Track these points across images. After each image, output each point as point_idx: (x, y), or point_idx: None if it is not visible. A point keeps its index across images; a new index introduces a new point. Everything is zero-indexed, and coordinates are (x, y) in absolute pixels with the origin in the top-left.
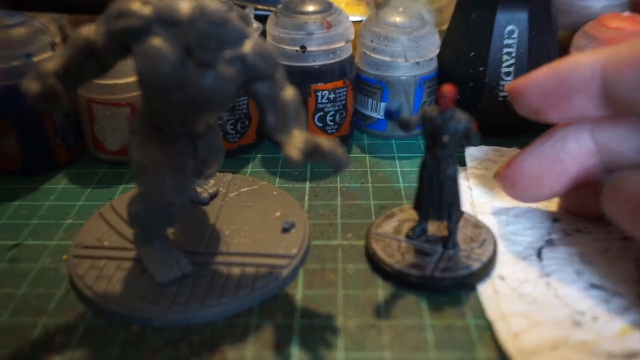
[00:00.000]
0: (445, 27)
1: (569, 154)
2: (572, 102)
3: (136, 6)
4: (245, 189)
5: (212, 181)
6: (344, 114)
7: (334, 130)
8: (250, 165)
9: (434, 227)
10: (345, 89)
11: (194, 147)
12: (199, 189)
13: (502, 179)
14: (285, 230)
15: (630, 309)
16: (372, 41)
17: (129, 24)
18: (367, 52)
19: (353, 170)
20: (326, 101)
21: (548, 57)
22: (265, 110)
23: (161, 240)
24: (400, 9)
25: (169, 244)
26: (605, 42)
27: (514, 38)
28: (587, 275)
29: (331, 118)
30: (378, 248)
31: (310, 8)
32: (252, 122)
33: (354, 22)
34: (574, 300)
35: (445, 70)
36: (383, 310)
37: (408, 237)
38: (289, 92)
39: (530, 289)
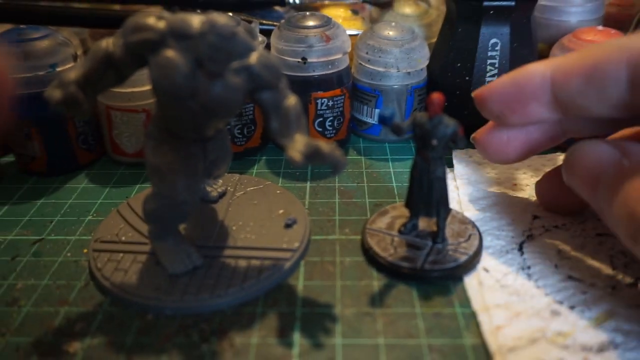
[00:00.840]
0: (434, 40)
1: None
2: (529, 107)
3: (151, 20)
4: (251, 188)
5: (220, 181)
6: (342, 120)
7: (332, 135)
8: (255, 166)
9: (424, 223)
10: (343, 96)
11: (204, 150)
12: (208, 188)
13: (477, 143)
14: (288, 226)
15: (604, 298)
16: (367, 53)
17: (144, 37)
18: (363, 63)
19: (350, 171)
20: (325, 108)
21: None
22: (270, 116)
23: (174, 235)
24: (393, 24)
25: (182, 238)
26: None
27: (497, 50)
28: (565, 268)
29: (330, 123)
30: (373, 242)
31: (311, 23)
32: (257, 127)
33: (350, 35)
34: (552, 291)
35: (434, 80)
36: (377, 300)
37: (400, 232)
38: (291, 100)
39: (512, 280)
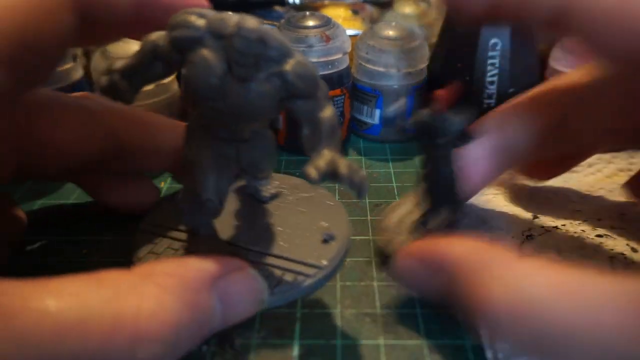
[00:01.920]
0: (434, 40)
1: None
2: None
3: (192, 18)
4: (305, 194)
5: (277, 182)
6: (342, 120)
7: None
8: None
9: (437, 220)
10: (343, 96)
11: (237, 151)
12: (261, 188)
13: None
14: (325, 241)
15: None
16: (367, 53)
17: (184, 34)
18: (363, 63)
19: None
20: None
21: (528, 68)
22: (302, 126)
23: (206, 228)
24: (393, 24)
25: (214, 233)
26: (581, 55)
27: (497, 50)
28: None
29: None
30: (386, 241)
31: (311, 23)
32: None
33: (350, 35)
34: None
35: (434, 80)
36: (377, 300)
37: (412, 228)
38: (327, 113)
39: None
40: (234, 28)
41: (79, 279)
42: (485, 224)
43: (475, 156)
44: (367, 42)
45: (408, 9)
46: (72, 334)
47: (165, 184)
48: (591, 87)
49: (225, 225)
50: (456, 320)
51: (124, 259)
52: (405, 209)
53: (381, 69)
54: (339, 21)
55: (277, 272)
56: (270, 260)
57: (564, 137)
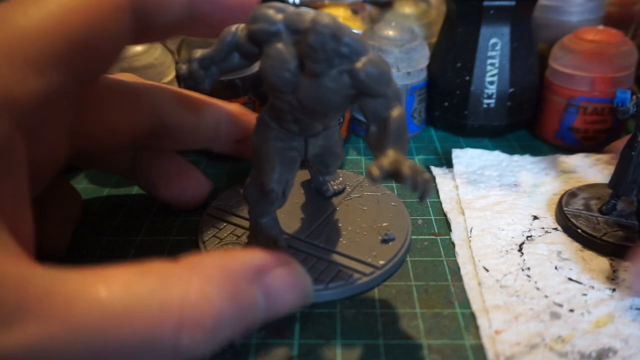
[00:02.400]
0: (434, 40)
1: None
2: None
3: (271, 12)
4: (368, 193)
5: (341, 178)
6: (342, 119)
7: None
8: None
9: (624, 204)
10: None
11: (305, 145)
12: (327, 184)
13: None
14: (384, 241)
15: (604, 301)
16: None
17: (262, 27)
18: None
19: (350, 171)
20: None
21: (528, 68)
22: (370, 125)
23: (269, 218)
24: (393, 24)
25: (275, 224)
26: (581, 54)
27: (497, 50)
28: (564, 270)
29: None
30: (581, 224)
31: None
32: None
33: None
34: (552, 293)
35: (434, 80)
36: (377, 300)
37: (601, 212)
38: (395, 113)
39: (512, 281)
40: (309, 23)
41: (129, 269)
42: None
43: None
44: (367, 42)
45: (408, 9)
46: (121, 321)
47: None
48: None
49: (287, 216)
50: (455, 318)
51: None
52: (584, 196)
53: None
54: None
55: (334, 268)
56: (328, 255)
57: None
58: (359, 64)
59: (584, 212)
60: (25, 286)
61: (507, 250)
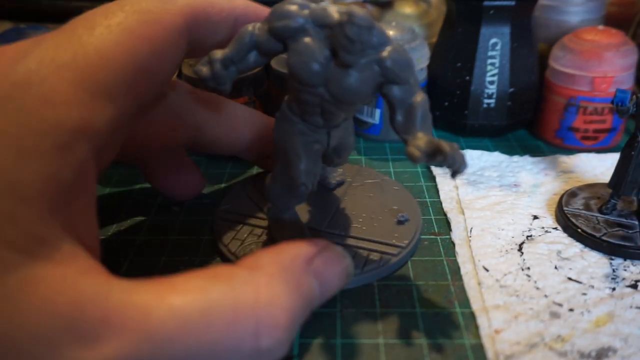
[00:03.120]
0: (434, 40)
1: None
2: None
3: (295, 8)
4: (369, 181)
5: (340, 170)
6: None
7: None
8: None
9: (624, 204)
10: None
11: (328, 137)
12: (329, 176)
13: None
14: (400, 222)
15: (604, 301)
16: None
17: (287, 24)
18: None
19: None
20: None
21: (528, 67)
22: (396, 111)
23: (290, 214)
24: (393, 24)
25: (297, 218)
26: (581, 54)
27: (497, 50)
28: (564, 269)
29: None
30: (580, 223)
31: None
32: None
33: None
34: (552, 292)
35: (434, 80)
36: (377, 300)
37: (601, 212)
38: (419, 98)
39: (512, 280)
40: (343, 17)
41: (197, 275)
42: None
43: None
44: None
45: (408, 9)
46: (199, 327)
47: None
48: None
49: (298, 210)
50: (455, 318)
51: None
52: (584, 195)
53: None
54: None
55: (363, 253)
56: (353, 242)
57: None
58: (385, 53)
59: (584, 211)
60: (106, 300)
61: (507, 250)
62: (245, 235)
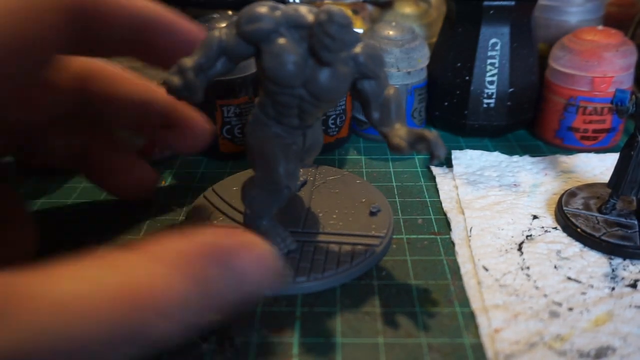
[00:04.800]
0: (434, 40)
1: None
2: None
3: (267, 11)
4: (331, 177)
5: (300, 171)
6: (344, 118)
7: (335, 133)
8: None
9: (623, 204)
10: (345, 95)
11: (304, 137)
12: None
13: None
14: (373, 213)
15: (603, 300)
16: None
17: (260, 27)
18: None
19: (350, 170)
20: None
21: (528, 68)
22: (370, 105)
23: (268, 219)
24: (393, 24)
25: (275, 223)
26: (580, 54)
27: (496, 50)
28: (564, 269)
29: (332, 121)
30: (579, 223)
31: None
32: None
33: None
34: (552, 292)
35: (434, 80)
36: (377, 299)
37: (601, 211)
38: (391, 90)
39: (511, 280)
40: (321, 16)
41: (91, 263)
42: None
43: None
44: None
45: (408, 9)
46: (90, 317)
47: (166, 182)
48: None
49: (274, 216)
50: (455, 317)
51: None
52: (584, 195)
53: None
54: None
55: (347, 248)
56: (335, 238)
57: None
58: (358, 49)
59: (583, 211)
60: None
61: (506, 250)
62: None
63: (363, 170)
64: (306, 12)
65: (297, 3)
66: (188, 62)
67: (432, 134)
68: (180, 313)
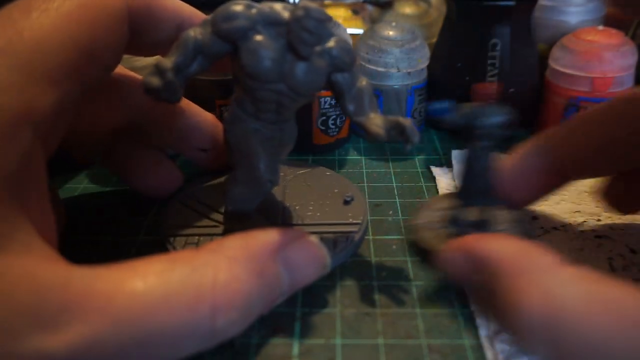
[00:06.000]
0: (434, 40)
1: (535, 173)
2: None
3: (242, 9)
4: (301, 171)
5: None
6: (344, 118)
7: (335, 133)
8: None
9: (474, 214)
10: None
11: (281, 132)
12: None
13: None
14: (347, 202)
15: None
16: (367, 53)
17: (236, 25)
18: (363, 63)
19: (350, 171)
20: (328, 106)
21: (528, 68)
22: (345, 97)
23: (252, 215)
24: (393, 24)
25: (258, 217)
26: (581, 54)
27: (497, 50)
28: None
29: (332, 122)
30: (423, 236)
31: None
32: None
33: (351, 35)
34: None
35: (434, 80)
36: (377, 300)
37: (449, 222)
38: (364, 82)
39: None
40: (298, 12)
41: (159, 260)
42: (521, 222)
43: (532, 168)
44: (367, 42)
45: (408, 9)
46: (160, 310)
47: None
48: None
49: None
50: (455, 318)
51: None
52: (436, 207)
53: (381, 69)
54: (340, 20)
55: (329, 236)
56: (314, 229)
57: (618, 158)
58: (331, 43)
59: (431, 223)
60: (66, 287)
61: None
62: (200, 243)
63: (363, 171)
64: (281, 9)
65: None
66: (166, 62)
67: (406, 120)
68: (244, 305)
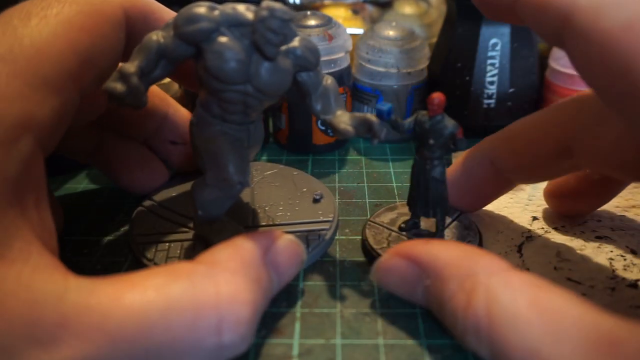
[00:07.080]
0: (434, 40)
1: (479, 180)
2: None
3: (205, 11)
4: (268, 172)
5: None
6: None
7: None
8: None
9: (426, 223)
10: (345, 95)
11: (248, 133)
12: None
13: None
14: (316, 200)
15: (603, 300)
16: (367, 53)
17: (199, 27)
18: (363, 63)
19: (350, 171)
20: None
21: (528, 68)
22: (311, 96)
23: (220, 217)
24: (393, 24)
25: (229, 220)
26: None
27: (497, 50)
28: (564, 270)
29: None
30: (370, 235)
31: (313, 22)
32: None
33: (351, 34)
34: None
35: (434, 80)
36: (377, 300)
37: (400, 228)
38: (329, 80)
39: None
40: (262, 12)
41: (157, 272)
42: (470, 230)
43: (476, 175)
44: (367, 42)
45: (408, 9)
46: (159, 326)
47: None
48: (596, 114)
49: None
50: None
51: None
52: (398, 211)
53: (381, 69)
54: (340, 20)
55: (300, 236)
56: (286, 228)
57: (566, 165)
58: (295, 43)
59: (385, 225)
60: (63, 301)
61: (506, 252)
62: (179, 252)
63: (363, 171)
64: (245, 10)
65: (297, 4)
66: (130, 67)
67: (373, 116)
68: (251, 316)
